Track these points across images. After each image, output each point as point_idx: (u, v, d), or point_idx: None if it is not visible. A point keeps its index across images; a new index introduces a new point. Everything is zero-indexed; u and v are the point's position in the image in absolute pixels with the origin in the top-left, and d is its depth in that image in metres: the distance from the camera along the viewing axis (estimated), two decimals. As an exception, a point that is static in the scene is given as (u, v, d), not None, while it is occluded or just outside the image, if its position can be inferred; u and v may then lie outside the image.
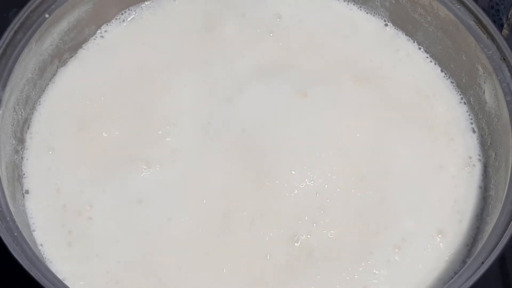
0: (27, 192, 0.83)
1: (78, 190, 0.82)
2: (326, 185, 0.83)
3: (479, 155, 0.87)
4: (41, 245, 0.80)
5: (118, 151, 0.85)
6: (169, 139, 0.85)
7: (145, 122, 0.86)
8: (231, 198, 0.82)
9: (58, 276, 0.73)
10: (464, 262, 0.80)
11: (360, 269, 0.80)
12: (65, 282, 0.73)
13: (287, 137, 0.86)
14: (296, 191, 0.83)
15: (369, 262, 0.80)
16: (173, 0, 0.95)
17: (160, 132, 0.86)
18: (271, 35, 0.93)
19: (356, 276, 0.79)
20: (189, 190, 0.83)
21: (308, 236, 0.81)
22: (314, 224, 0.81)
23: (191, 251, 0.80)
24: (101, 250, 0.79)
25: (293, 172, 0.84)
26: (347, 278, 0.79)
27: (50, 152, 0.85)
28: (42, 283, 0.69)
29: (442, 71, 0.92)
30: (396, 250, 0.81)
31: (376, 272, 0.79)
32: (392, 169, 0.85)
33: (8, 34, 0.81)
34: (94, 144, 0.85)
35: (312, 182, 0.83)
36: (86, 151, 0.85)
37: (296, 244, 0.80)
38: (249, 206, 0.82)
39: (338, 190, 0.83)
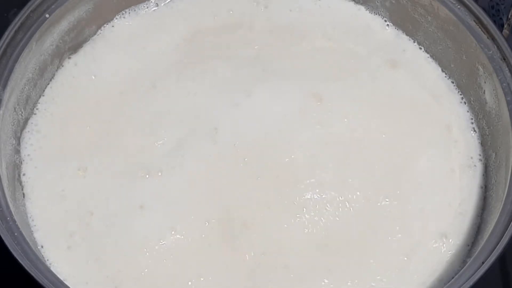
0: (27, 192, 0.82)
1: (79, 193, 0.82)
2: (338, 197, 0.83)
3: (480, 155, 0.87)
4: (42, 246, 0.79)
5: (120, 154, 0.84)
6: (174, 145, 0.85)
7: (148, 124, 0.86)
8: (235, 209, 0.81)
9: (59, 277, 0.72)
10: (464, 262, 0.80)
11: (363, 270, 0.79)
12: (66, 283, 0.72)
13: (298, 143, 0.85)
14: (307, 202, 0.82)
15: (373, 263, 0.80)
16: (174, 1, 0.95)
17: (164, 138, 0.85)
18: (276, 38, 0.93)
19: (358, 276, 0.79)
20: (193, 198, 0.82)
21: (315, 242, 0.80)
22: (325, 229, 0.81)
23: (192, 261, 0.79)
24: (101, 255, 0.79)
25: (304, 183, 0.83)
26: (350, 278, 0.79)
27: (51, 153, 0.85)
28: (42, 283, 0.69)
29: (442, 71, 0.92)
30: (399, 252, 0.81)
31: (378, 273, 0.79)
32: (406, 175, 0.85)
33: (9, 34, 0.81)
34: (95, 145, 0.85)
35: (325, 193, 0.83)
36: (86, 152, 0.85)
37: (305, 250, 0.80)
38: (256, 219, 0.81)
39: (352, 199, 0.83)
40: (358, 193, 0.83)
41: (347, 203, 0.83)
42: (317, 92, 0.89)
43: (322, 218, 0.82)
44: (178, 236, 0.80)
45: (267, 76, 0.90)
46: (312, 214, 0.82)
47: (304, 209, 0.82)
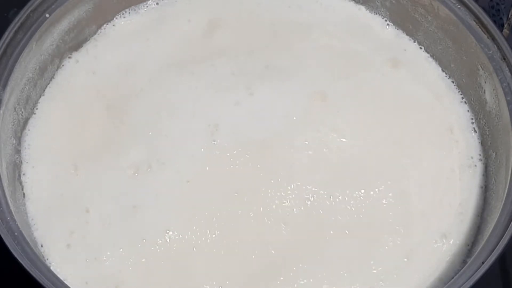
0: (27, 192, 0.82)
1: (77, 192, 0.82)
2: (339, 196, 0.82)
3: (480, 155, 0.87)
4: (42, 245, 0.79)
5: (119, 152, 0.84)
6: (172, 142, 0.85)
7: (148, 124, 0.86)
8: (232, 207, 0.81)
9: (59, 276, 0.72)
10: (464, 262, 0.80)
11: (364, 270, 0.79)
12: (66, 283, 0.72)
13: (300, 142, 0.85)
14: (307, 202, 0.82)
15: (373, 263, 0.80)
16: (174, 0, 0.95)
17: (160, 134, 0.85)
18: (278, 37, 0.93)
19: (359, 277, 0.79)
20: (188, 196, 0.82)
21: (317, 242, 0.80)
22: (326, 230, 0.81)
23: (190, 260, 0.79)
24: (101, 254, 0.79)
25: (305, 182, 0.83)
26: (351, 278, 0.79)
27: (50, 153, 0.85)
28: (42, 283, 0.69)
29: (442, 71, 0.92)
30: (399, 252, 0.81)
31: (378, 273, 0.79)
32: (407, 175, 0.85)
33: (9, 34, 0.81)
34: (94, 144, 0.85)
35: (325, 192, 0.82)
36: (86, 151, 0.84)
37: (305, 250, 0.80)
38: (254, 218, 0.81)
39: (353, 198, 0.83)
40: (359, 192, 0.83)
41: (347, 202, 0.82)
42: (320, 91, 0.89)
43: (322, 218, 0.81)
44: (174, 235, 0.80)
45: (269, 74, 0.90)
46: (313, 213, 0.81)
47: (305, 209, 0.82)
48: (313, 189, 0.83)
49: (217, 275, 0.78)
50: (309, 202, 0.82)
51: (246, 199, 0.82)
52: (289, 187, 0.82)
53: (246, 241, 0.80)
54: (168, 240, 0.79)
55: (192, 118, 0.86)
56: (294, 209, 0.82)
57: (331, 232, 0.81)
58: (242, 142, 0.85)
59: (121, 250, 0.79)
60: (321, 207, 0.82)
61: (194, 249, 0.79)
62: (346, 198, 0.83)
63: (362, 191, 0.83)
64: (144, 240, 0.79)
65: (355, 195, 0.83)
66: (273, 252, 0.80)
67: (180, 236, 0.80)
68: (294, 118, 0.87)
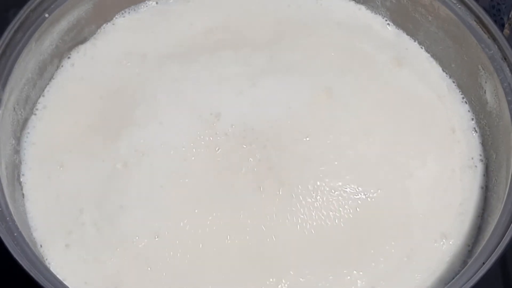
0: (26, 193, 0.82)
1: (72, 193, 0.82)
2: (340, 195, 0.82)
3: (481, 155, 0.87)
4: (41, 246, 0.79)
5: (116, 152, 0.84)
6: (170, 134, 0.84)
7: (146, 117, 0.86)
8: (230, 200, 0.81)
9: (58, 277, 0.72)
10: (465, 262, 0.80)
11: (364, 270, 0.79)
12: (65, 283, 0.72)
13: (300, 135, 0.85)
14: (307, 200, 0.82)
15: (374, 264, 0.80)
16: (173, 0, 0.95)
17: (163, 125, 0.85)
18: (279, 35, 0.93)
19: (359, 277, 0.79)
20: (186, 189, 0.81)
21: (318, 241, 0.80)
22: (326, 229, 0.81)
23: (188, 257, 0.79)
24: (98, 254, 0.79)
25: (306, 178, 0.82)
26: (351, 278, 0.79)
27: (50, 153, 0.84)
28: (41, 284, 0.69)
29: (443, 71, 0.92)
30: (400, 252, 0.80)
31: (379, 273, 0.79)
32: (408, 175, 0.85)
33: (8, 33, 0.81)
34: (92, 145, 0.85)
35: (326, 191, 0.82)
36: (85, 152, 0.84)
37: (305, 249, 0.80)
38: (252, 212, 0.81)
39: (353, 197, 0.83)
40: (360, 190, 0.83)
41: (348, 201, 0.82)
42: (325, 86, 0.88)
43: (322, 217, 0.81)
44: (168, 233, 0.79)
45: (273, 67, 0.90)
46: (313, 212, 0.81)
47: (304, 206, 0.82)
48: (313, 185, 0.82)
49: (216, 274, 0.78)
50: (307, 200, 0.82)
51: (242, 190, 0.82)
52: (288, 182, 0.82)
53: (243, 239, 0.80)
54: (163, 239, 0.79)
55: (193, 108, 0.86)
56: (293, 206, 0.81)
57: (331, 231, 0.81)
58: (244, 132, 0.85)
59: (118, 250, 0.79)
60: (320, 204, 0.82)
61: (192, 247, 0.79)
62: (346, 196, 0.83)
63: (363, 189, 0.83)
64: (138, 239, 0.79)
65: (355, 193, 0.83)
66: (270, 251, 0.79)
67: (175, 234, 0.79)
68: (297, 111, 0.87)
